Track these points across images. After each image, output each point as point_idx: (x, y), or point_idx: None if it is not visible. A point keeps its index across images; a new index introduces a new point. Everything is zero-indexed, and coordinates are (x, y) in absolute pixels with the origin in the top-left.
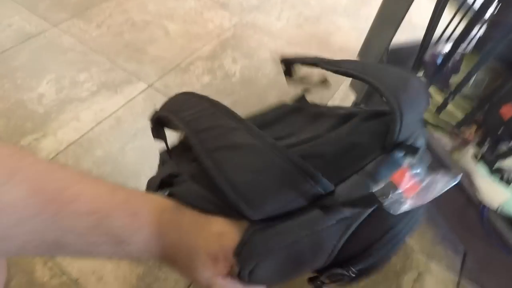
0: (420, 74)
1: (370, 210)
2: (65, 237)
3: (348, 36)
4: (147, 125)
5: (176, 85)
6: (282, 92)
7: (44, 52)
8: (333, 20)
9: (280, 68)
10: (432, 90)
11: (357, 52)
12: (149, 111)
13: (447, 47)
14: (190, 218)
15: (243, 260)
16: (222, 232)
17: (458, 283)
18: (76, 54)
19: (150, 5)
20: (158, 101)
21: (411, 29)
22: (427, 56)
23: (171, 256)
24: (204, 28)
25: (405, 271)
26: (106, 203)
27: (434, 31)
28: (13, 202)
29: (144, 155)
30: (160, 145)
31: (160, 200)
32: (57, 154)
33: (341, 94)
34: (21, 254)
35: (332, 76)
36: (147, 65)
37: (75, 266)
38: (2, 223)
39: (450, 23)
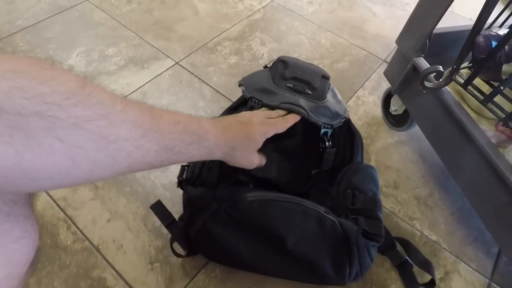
0: (465, 63)
1: None
2: (171, 141)
3: (383, 24)
4: (172, 101)
5: (203, 64)
6: None
7: (75, 25)
8: (368, 7)
9: (310, 54)
10: (478, 80)
11: (392, 40)
12: (174, 88)
13: (502, 31)
14: (236, 119)
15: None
16: (262, 121)
17: (489, 286)
18: (106, 29)
19: None
20: (184, 79)
21: (452, 19)
22: (480, 38)
23: (232, 144)
24: (233, 8)
25: None
26: (180, 115)
27: (492, 8)
28: (135, 119)
29: None
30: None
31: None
32: None
33: (372, 83)
34: (145, 164)
35: (364, 63)
36: (174, 43)
37: (96, 234)
38: (134, 135)
39: (506, 8)
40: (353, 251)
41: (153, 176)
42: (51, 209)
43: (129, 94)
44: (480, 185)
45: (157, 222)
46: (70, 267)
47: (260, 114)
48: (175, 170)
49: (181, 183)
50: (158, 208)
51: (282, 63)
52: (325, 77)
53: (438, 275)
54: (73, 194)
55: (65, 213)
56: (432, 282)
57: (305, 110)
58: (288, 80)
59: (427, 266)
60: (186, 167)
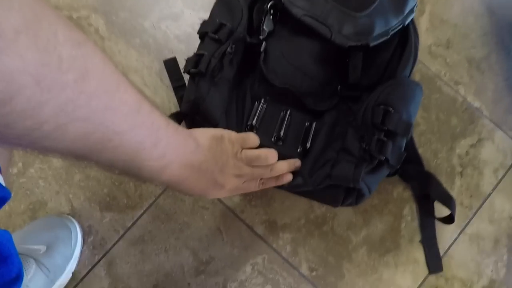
0: None
1: None
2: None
3: None
4: None
5: None
6: None
7: None
8: None
9: None
10: None
11: None
12: None
13: None
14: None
15: None
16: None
17: None
18: None
19: None
20: None
21: None
22: None
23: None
24: None
25: (465, 135)
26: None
27: None
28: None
29: None
30: None
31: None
32: None
33: None
34: (72, 149)
35: None
36: None
37: None
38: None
39: None
40: (352, 193)
41: (164, 26)
42: None
43: None
44: None
45: None
46: None
47: (232, 164)
48: (188, 18)
49: (193, 75)
50: (171, 65)
51: None
52: None
53: (470, 141)
54: None
55: None
56: (451, 218)
57: (329, 29)
58: None
59: (448, 201)
60: (201, 56)
